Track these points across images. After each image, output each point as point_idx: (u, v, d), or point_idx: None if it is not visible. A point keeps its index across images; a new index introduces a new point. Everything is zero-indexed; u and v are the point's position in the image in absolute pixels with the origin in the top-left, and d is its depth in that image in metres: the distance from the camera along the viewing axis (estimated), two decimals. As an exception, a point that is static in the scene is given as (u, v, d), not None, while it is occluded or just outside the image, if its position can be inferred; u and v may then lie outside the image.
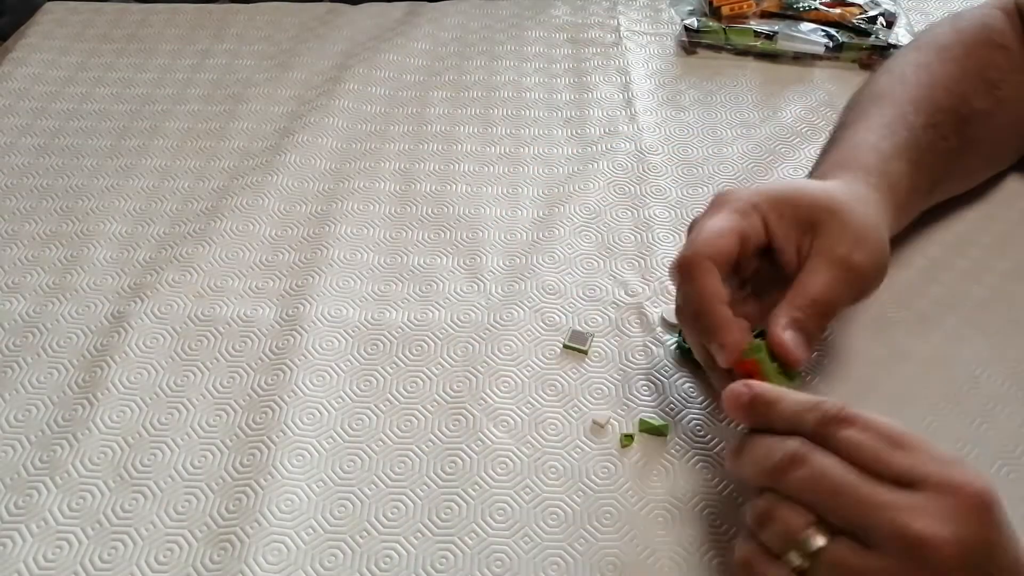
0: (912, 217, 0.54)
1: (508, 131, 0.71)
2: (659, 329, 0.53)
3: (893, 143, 0.51)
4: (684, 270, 0.44)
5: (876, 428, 0.34)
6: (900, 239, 0.58)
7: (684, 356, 0.51)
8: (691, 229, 0.46)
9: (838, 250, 0.43)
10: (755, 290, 0.47)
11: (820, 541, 0.34)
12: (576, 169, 0.66)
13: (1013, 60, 0.57)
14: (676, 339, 0.52)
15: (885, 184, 0.49)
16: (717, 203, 0.46)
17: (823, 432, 0.35)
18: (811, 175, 0.52)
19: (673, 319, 0.50)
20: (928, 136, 0.52)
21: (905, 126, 0.52)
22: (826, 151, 0.54)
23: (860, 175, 0.48)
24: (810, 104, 0.72)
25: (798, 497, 0.35)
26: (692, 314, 0.43)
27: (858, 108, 0.56)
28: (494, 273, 0.57)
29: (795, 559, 0.34)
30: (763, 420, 0.37)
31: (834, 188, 0.46)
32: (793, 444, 0.35)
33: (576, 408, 0.49)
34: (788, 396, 0.37)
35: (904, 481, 0.33)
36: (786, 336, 0.41)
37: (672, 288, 0.55)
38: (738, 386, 0.38)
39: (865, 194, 0.47)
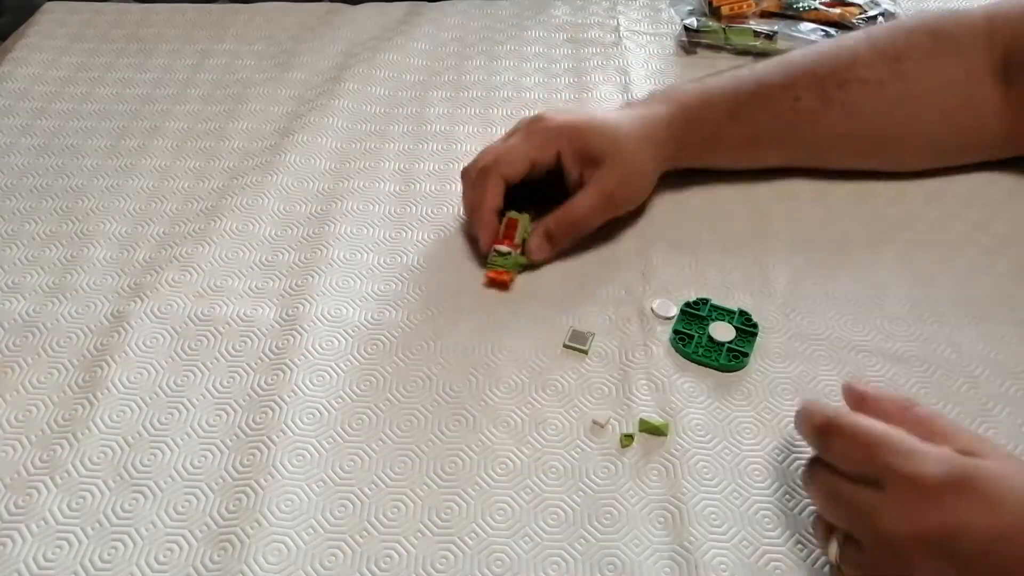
0: (718, 156, 0.61)
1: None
2: (651, 320, 0.53)
3: (708, 96, 0.60)
4: (478, 178, 0.56)
5: (856, 433, 0.37)
6: (900, 239, 0.58)
7: (677, 349, 0.51)
8: (493, 146, 0.57)
9: (607, 186, 0.55)
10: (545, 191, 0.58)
11: (835, 547, 0.38)
12: (576, 169, 0.66)
13: (940, 48, 0.59)
14: (672, 330, 0.52)
15: (676, 129, 0.58)
16: (526, 128, 0.57)
17: (821, 444, 0.39)
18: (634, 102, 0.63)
19: (664, 312, 0.54)
20: (769, 92, 0.59)
21: (749, 78, 0.60)
22: (669, 87, 0.64)
23: (660, 111, 0.58)
24: (810, 104, 0.72)
25: (818, 509, 0.39)
26: (470, 209, 0.57)
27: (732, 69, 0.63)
28: (494, 273, 0.57)
29: (832, 554, 0.38)
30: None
31: (621, 126, 0.57)
32: (810, 462, 0.40)
33: (576, 408, 0.49)
34: (801, 409, 0.41)
35: (876, 481, 0.35)
36: (533, 242, 0.56)
37: (670, 290, 0.55)
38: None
39: (647, 132, 0.57)
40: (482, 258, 0.57)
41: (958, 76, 0.58)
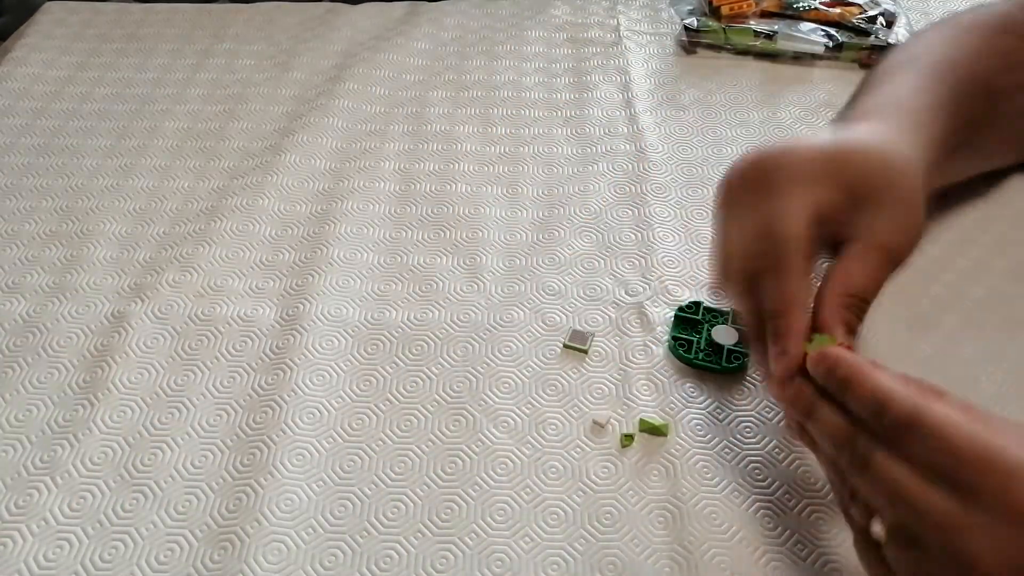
0: (942, 180, 0.50)
1: (508, 131, 0.71)
2: (651, 321, 0.53)
3: (928, 101, 0.49)
4: (773, 269, 0.41)
5: (949, 439, 0.33)
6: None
7: (677, 355, 0.51)
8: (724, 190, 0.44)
9: (882, 236, 0.41)
10: None
11: (880, 532, 0.34)
12: (576, 169, 0.66)
13: None
14: (669, 336, 0.52)
15: (925, 137, 0.46)
16: (773, 182, 0.42)
17: (896, 438, 0.34)
18: (839, 122, 0.49)
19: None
20: (956, 102, 0.50)
21: (936, 87, 0.50)
22: (857, 100, 0.51)
23: (904, 124, 0.46)
24: (810, 104, 0.72)
25: (864, 497, 0.35)
26: (771, 313, 0.40)
27: (885, 72, 0.54)
28: (494, 273, 0.57)
29: (877, 529, 0.34)
30: (838, 390, 0.36)
31: (884, 144, 0.43)
32: (861, 443, 0.35)
33: (576, 408, 0.49)
34: (870, 380, 0.35)
35: (959, 489, 0.32)
36: (839, 333, 0.40)
37: (671, 290, 0.55)
38: (833, 351, 0.37)
39: (909, 152, 0.44)
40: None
41: None
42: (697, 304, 0.53)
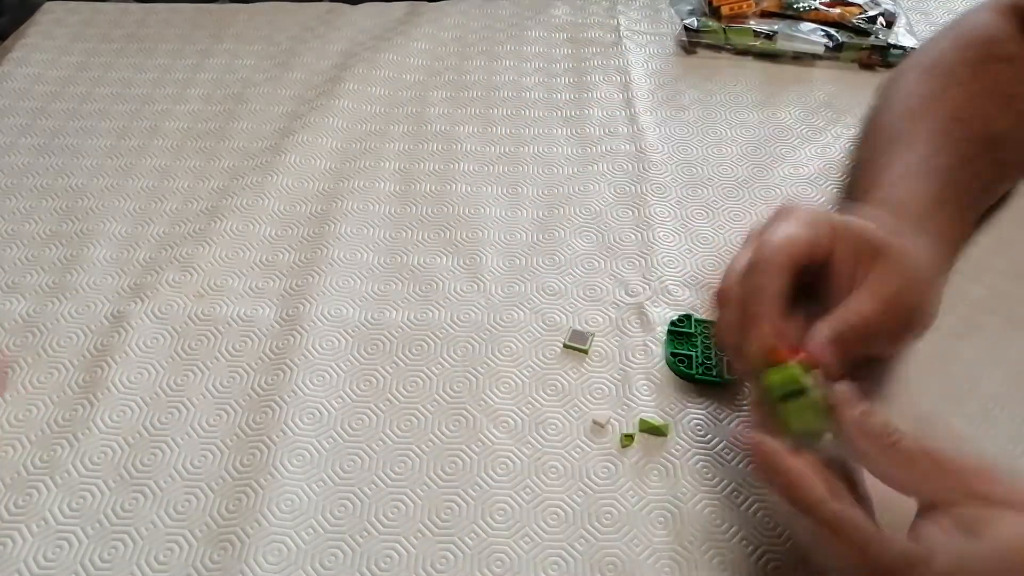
0: (956, 259, 0.53)
1: (508, 131, 0.71)
2: (651, 321, 0.53)
3: (936, 189, 0.50)
4: (759, 266, 0.43)
5: (840, 535, 0.35)
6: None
7: (678, 372, 0.50)
8: (753, 236, 0.46)
9: (891, 287, 0.42)
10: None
11: None
12: (576, 169, 0.66)
13: (1021, 69, 0.56)
14: (667, 352, 0.51)
15: (935, 232, 0.48)
16: (785, 213, 0.45)
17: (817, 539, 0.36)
18: (846, 199, 0.51)
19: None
20: (965, 174, 0.52)
21: (940, 168, 0.51)
22: (855, 188, 0.53)
23: (913, 222, 0.47)
24: (810, 104, 0.72)
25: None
26: (750, 309, 0.42)
27: (876, 146, 0.55)
28: (494, 273, 0.57)
29: None
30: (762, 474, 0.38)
31: (897, 232, 0.45)
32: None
33: (576, 408, 0.49)
34: (783, 466, 0.37)
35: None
36: (827, 351, 0.41)
37: (671, 290, 0.55)
38: (755, 439, 0.38)
39: (922, 244, 0.46)
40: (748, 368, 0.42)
41: None
42: (688, 317, 0.53)
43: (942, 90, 0.56)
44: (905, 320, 0.44)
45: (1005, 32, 0.58)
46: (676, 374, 0.50)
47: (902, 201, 0.49)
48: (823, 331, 0.41)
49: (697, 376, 0.50)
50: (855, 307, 0.42)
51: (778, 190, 0.63)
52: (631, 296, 0.55)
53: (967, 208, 0.53)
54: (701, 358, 0.51)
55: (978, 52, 0.57)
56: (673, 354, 0.51)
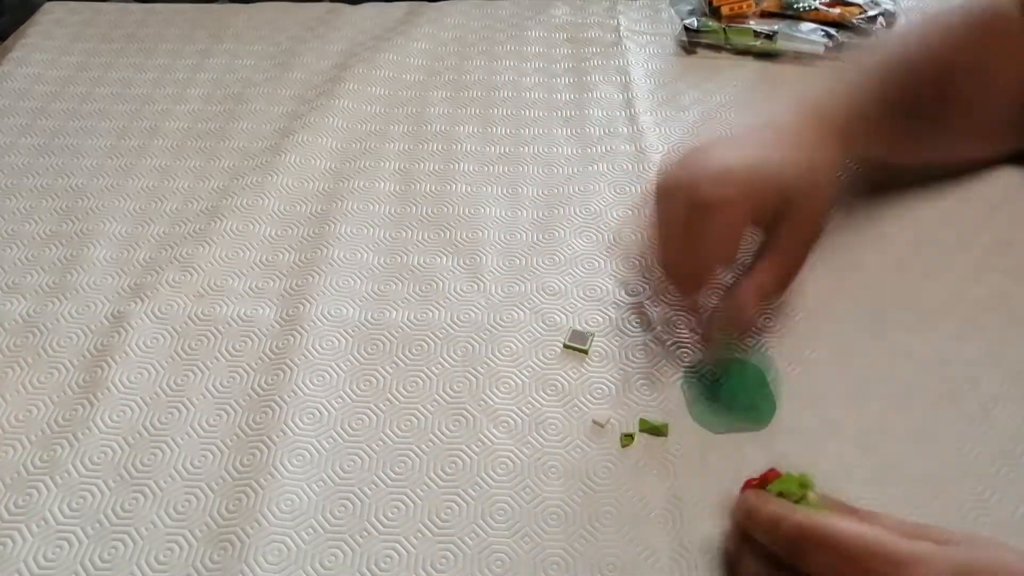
0: (899, 155, 0.58)
1: (508, 131, 0.71)
2: (658, 329, 0.53)
3: (859, 74, 0.55)
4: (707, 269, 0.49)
5: (841, 545, 0.35)
6: (901, 238, 0.58)
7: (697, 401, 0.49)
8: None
9: (800, 236, 0.49)
10: None
11: None
12: (576, 169, 0.66)
13: (1016, 45, 0.57)
14: (682, 381, 0.50)
15: (847, 97, 0.53)
16: (708, 208, 0.47)
17: (796, 554, 0.36)
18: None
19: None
20: (904, 80, 0.55)
21: (879, 68, 0.56)
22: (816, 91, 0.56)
23: (830, 123, 0.52)
24: (810, 104, 0.72)
25: None
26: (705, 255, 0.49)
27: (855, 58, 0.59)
28: (494, 273, 0.57)
29: None
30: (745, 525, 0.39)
31: (792, 162, 0.49)
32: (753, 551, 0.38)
33: (576, 408, 0.49)
34: (766, 507, 0.38)
35: None
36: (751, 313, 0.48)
37: (670, 290, 0.55)
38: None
39: (821, 163, 0.50)
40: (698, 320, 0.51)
41: None
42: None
43: (926, 29, 0.60)
44: (815, 244, 0.50)
45: (1016, 10, 0.58)
46: (711, 426, 0.48)
47: (828, 112, 0.53)
48: (749, 299, 0.48)
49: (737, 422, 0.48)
50: (770, 267, 0.49)
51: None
52: (631, 296, 0.55)
53: (890, 114, 0.55)
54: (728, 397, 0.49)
55: (981, 15, 0.59)
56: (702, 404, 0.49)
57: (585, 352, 0.52)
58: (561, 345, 0.52)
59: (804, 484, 0.39)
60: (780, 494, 0.39)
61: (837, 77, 0.56)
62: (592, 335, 0.52)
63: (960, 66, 0.57)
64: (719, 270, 0.51)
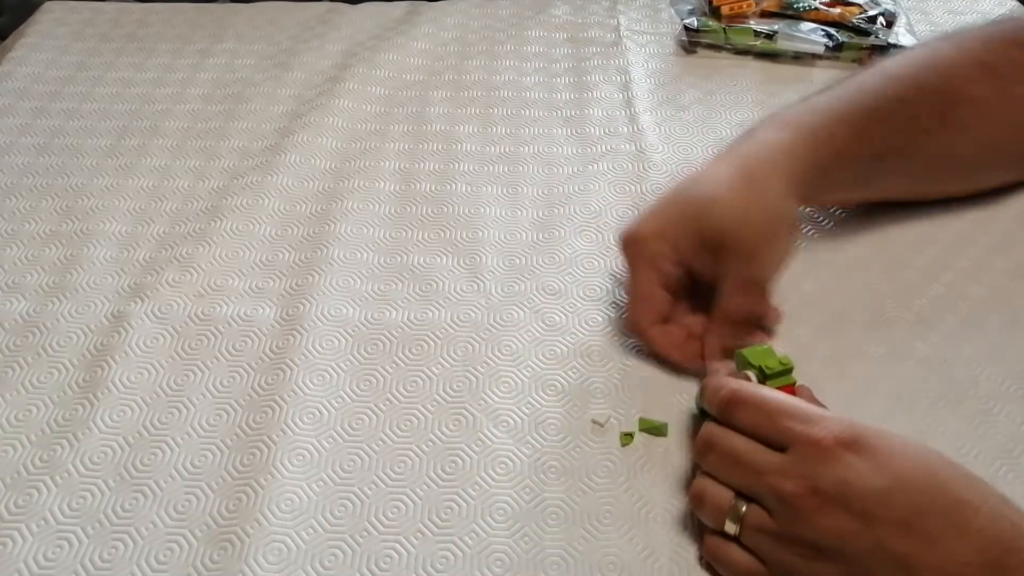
0: (846, 179, 0.54)
1: (508, 131, 0.71)
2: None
3: (831, 104, 0.53)
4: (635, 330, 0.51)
5: (760, 404, 0.40)
6: (900, 238, 0.58)
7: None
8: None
9: (743, 272, 0.48)
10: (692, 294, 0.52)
11: (743, 508, 0.39)
12: (576, 169, 0.66)
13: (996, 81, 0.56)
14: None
15: (802, 144, 0.51)
16: (631, 257, 0.50)
17: (727, 414, 0.41)
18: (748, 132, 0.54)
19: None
20: (890, 107, 0.54)
21: (862, 92, 0.54)
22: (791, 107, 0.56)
23: (776, 134, 0.52)
24: (810, 104, 0.72)
25: (716, 475, 0.40)
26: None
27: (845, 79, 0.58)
28: (494, 273, 0.57)
29: (731, 528, 0.39)
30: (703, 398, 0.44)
31: (730, 196, 0.49)
32: (707, 429, 0.42)
33: (576, 408, 0.49)
34: (706, 384, 0.43)
35: (779, 446, 0.38)
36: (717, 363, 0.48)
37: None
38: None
39: (767, 171, 0.50)
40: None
41: None
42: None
43: (939, 45, 0.58)
44: (767, 278, 0.50)
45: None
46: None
47: (790, 113, 0.54)
48: (714, 347, 0.49)
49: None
50: (727, 308, 0.49)
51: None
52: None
53: (874, 135, 0.53)
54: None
55: (1002, 29, 0.58)
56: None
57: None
58: (561, 346, 0.52)
59: (784, 363, 0.43)
60: (761, 369, 0.43)
61: (810, 113, 0.53)
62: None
63: (971, 98, 0.55)
64: (657, 310, 0.50)
